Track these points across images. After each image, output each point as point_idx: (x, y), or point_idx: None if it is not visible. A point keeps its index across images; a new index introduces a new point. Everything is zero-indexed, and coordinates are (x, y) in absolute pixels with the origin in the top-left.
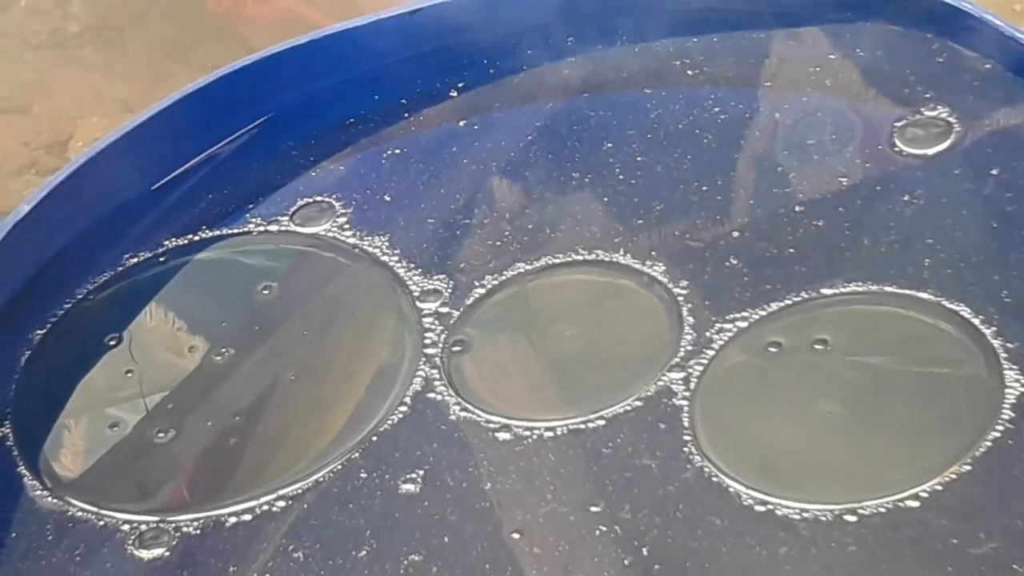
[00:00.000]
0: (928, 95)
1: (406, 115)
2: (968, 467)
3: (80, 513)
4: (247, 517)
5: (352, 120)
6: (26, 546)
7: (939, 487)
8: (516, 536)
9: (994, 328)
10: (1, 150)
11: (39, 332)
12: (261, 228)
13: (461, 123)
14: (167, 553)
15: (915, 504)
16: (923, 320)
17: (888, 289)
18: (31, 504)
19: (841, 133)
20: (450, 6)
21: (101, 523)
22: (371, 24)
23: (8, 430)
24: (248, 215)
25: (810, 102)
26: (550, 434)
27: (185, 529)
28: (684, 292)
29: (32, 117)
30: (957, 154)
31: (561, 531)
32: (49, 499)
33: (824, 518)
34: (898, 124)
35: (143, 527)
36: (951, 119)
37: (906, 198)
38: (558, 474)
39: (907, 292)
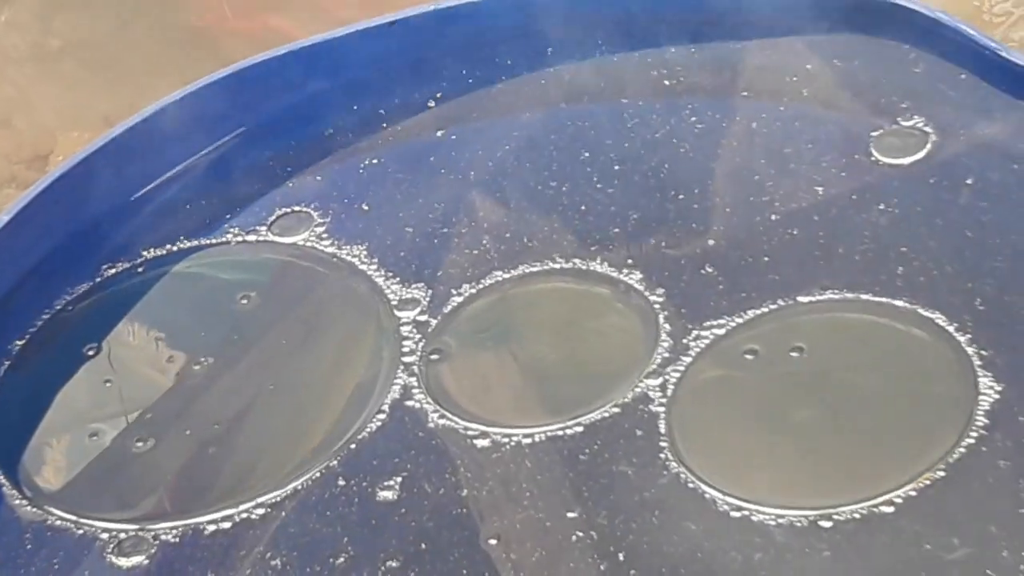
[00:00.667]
0: (904, 105)
1: (384, 125)
2: (942, 473)
3: (59, 522)
4: (226, 525)
5: (331, 131)
6: (4, 555)
7: (913, 493)
8: (493, 542)
9: (968, 335)
10: None
11: (18, 342)
12: (239, 238)
13: (439, 133)
14: (146, 561)
15: (889, 510)
16: (898, 328)
17: (864, 297)
18: (10, 514)
19: (817, 143)
20: (427, 17)
21: (80, 532)
22: (349, 35)
23: None
24: (226, 225)
25: (787, 112)
26: (528, 441)
27: (164, 537)
28: (660, 300)
29: (13, 131)
30: (933, 164)
31: (538, 537)
32: (28, 508)
33: (799, 524)
34: (875, 134)
35: (122, 535)
36: (927, 129)
37: (882, 207)
38: (535, 480)
39: (882, 300)
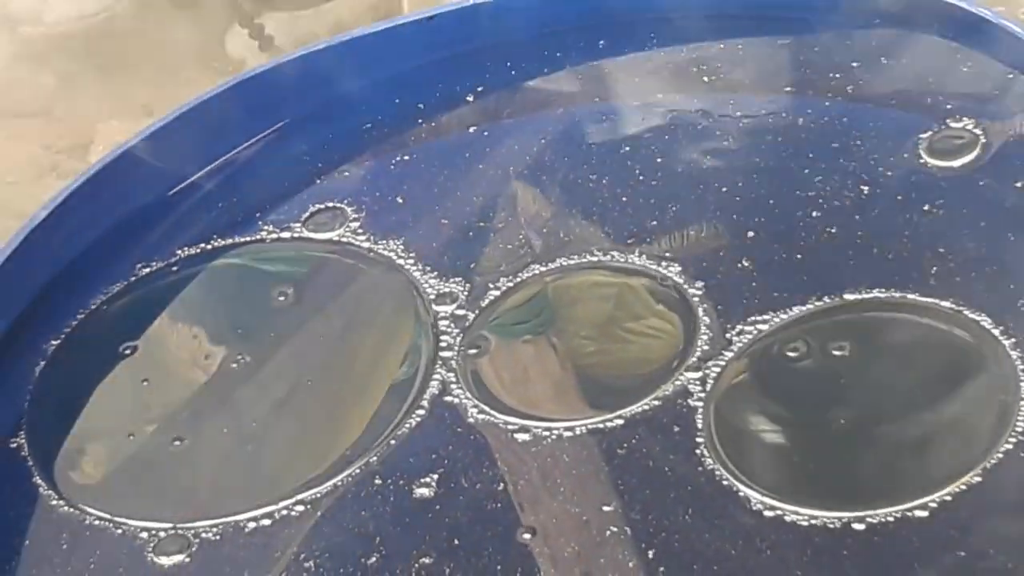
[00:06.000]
0: (952, 105)
1: (420, 121)
2: (979, 479)
3: (97, 522)
4: (266, 522)
5: (369, 125)
6: (40, 555)
7: (948, 498)
8: (527, 537)
9: (1013, 339)
10: (22, 153)
11: (53, 342)
12: (274, 235)
13: (476, 127)
14: (187, 560)
15: (924, 514)
16: (941, 329)
17: (908, 297)
18: (47, 513)
19: (863, 141)
20: (467, 11)
21: (119, 531)
22: (388, 30)
23: (23, 440)
24: (260, 222)
25: (832, 109)
26: (569, 434)
27: (205, 535)
28: (700, 293)
29: (53, 120)
30: (982, 165)
31: (571, 531)
32: (65, 508)
33: (832, 525)
34: (923, 135)
35: (162, 534)
36: (976, 131)
37: (926, 207)
38: (571, 474)
39: (927, 300)
